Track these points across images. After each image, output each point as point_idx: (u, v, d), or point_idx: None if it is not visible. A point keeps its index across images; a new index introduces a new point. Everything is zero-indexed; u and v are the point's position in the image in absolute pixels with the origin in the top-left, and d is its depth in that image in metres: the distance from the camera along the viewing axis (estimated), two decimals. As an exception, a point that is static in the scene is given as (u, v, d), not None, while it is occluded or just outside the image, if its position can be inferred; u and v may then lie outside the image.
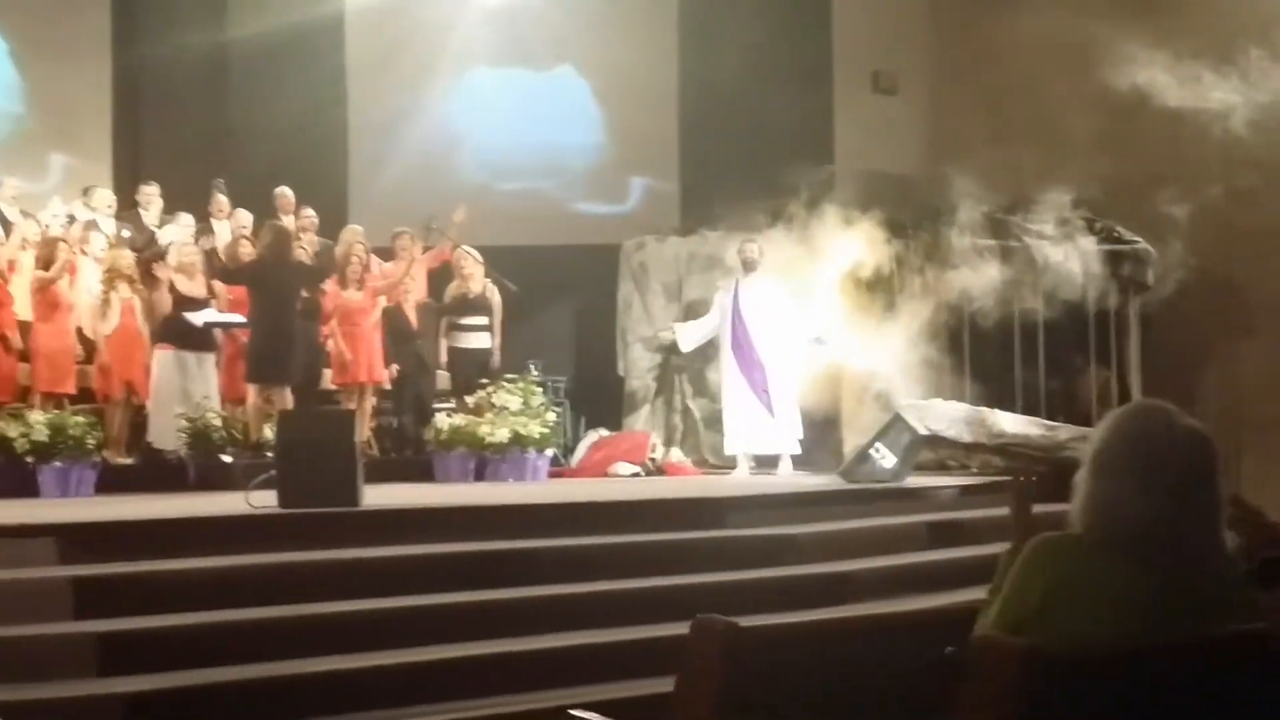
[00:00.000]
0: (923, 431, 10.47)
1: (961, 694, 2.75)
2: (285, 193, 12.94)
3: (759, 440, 12.04)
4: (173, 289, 11.34)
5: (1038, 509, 3.79)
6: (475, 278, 12.54)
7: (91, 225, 11.95)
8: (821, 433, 12.63)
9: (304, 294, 11.55)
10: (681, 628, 6.41)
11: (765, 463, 12.09)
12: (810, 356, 12.07)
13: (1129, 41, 12.01)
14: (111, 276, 11.13)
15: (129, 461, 11.20)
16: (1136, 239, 13.07)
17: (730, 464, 12.30)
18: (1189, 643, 2.78)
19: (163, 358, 11.34)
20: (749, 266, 12.10)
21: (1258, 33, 13.83)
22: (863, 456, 10.34)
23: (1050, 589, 2.87)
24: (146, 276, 11.61)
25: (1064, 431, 10.98)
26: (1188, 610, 2.82)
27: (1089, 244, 12.69)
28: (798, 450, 12.06)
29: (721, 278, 12.77)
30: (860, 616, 4.19)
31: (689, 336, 12.70)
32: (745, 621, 3.17)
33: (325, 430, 7.94)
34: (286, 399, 10.79)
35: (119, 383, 11.03)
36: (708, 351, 12.80)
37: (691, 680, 3.27)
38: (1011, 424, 11.11)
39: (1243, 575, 3.02)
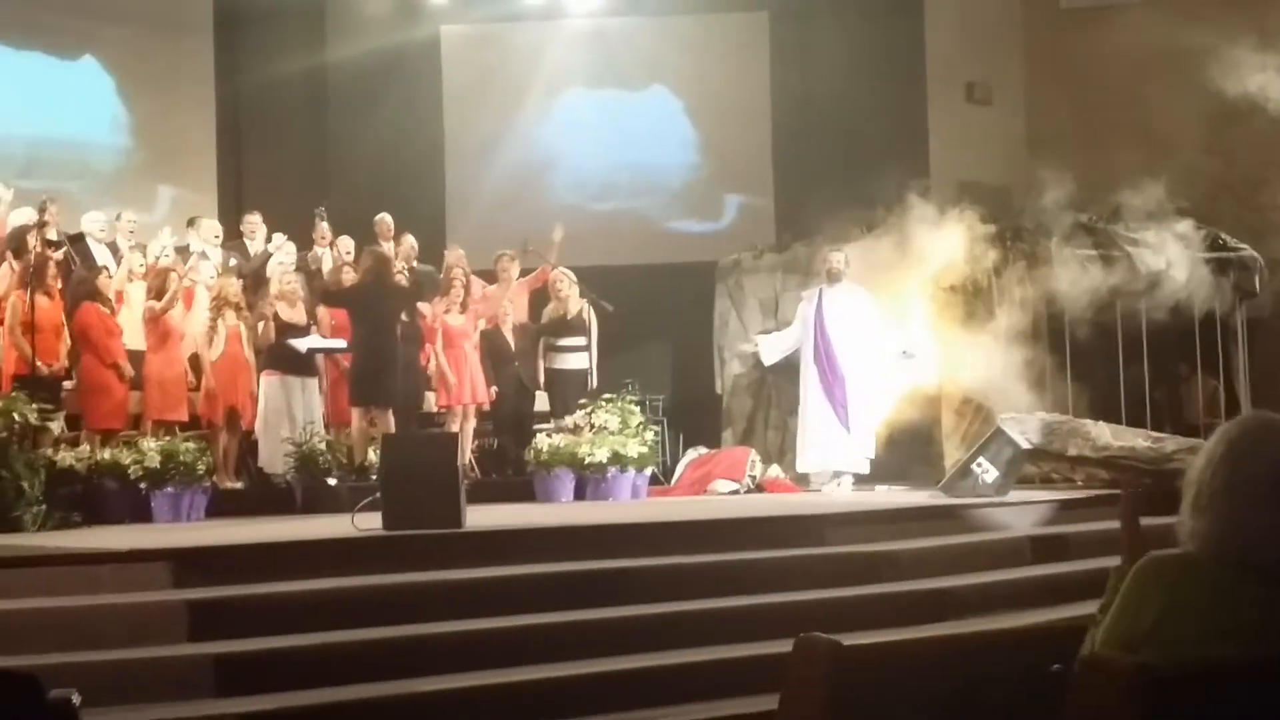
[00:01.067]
0: (1025, 445, 10.36)
1: (1069, 712, 2.74)
2: (385, 219, 13.13)
3: (832, 457, 11.85)
4: (275, 317, 11.53)
5: (1145, 522, 3.74)
6: (572, 299, 12.62)
7: (200, 255, 12.20)
8: (921, 447, 12.56)
9: (404, 318, 11.72)
10: (783, 646, 6.41)
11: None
12: (899, 369, 11.92)
13: (1228, 45, 11.86)
14: (219, 304, 11.35)
15: (238, 486, 11.41)
16: (1242, 245, 12.86)
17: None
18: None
19: (269, 384, 11.53)
20: (833, 276, 11.96)
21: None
22: (965, 471, 10.26)
23: (1166, 608, 2.83)
24: (251, 304, 11.83)
25: (1170, 443, 10.81)
26: None
27: (1193, 251, 12.53)
28: (866, 470, 11.91)
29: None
30: (964, 634, 4.16)
31: (772, 349, 12.63)
32: (847, 639, 3.18)
33: (429, 453, 8.04)
34: (389, 422, 10.93)
35: (224, 409, 11.23)
36: (799, 366, 12.67)
37: (795, 699, 3.28)
38: (1116, 435, 10.95)
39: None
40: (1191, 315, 12.74)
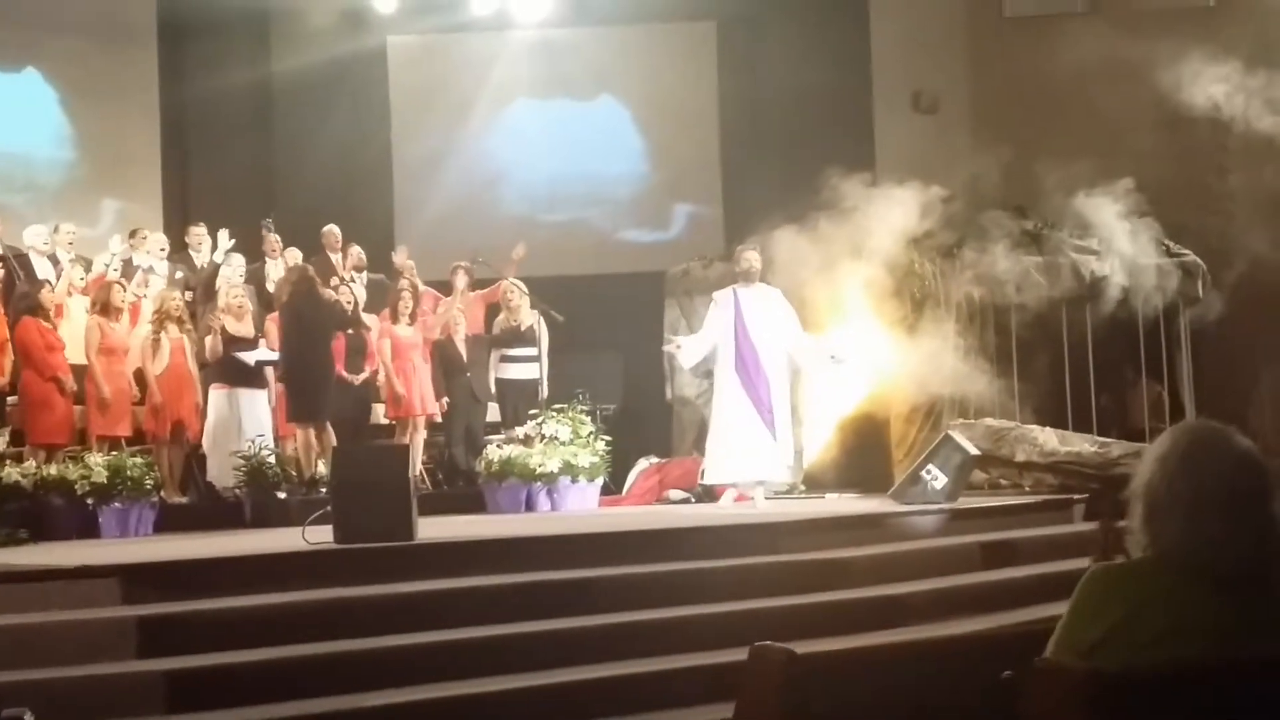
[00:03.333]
0: (973, 451, 10.44)
1: (1022, 718, 2.77)
2: (333, 230, 13.12)
3: (756, 467, 10.85)
4: (223, 330, 11.47)
5: (1094, 526, 3.78)
6: (522, 309, 12.64)
7: (148, 270, 12.12)
8: (870, 454, 12.61)
9: (349, 331, 11.70)
10: (736, 654, 6.45)
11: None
12: (831, 375, 11.56)
13: (1171, 54, 12.02)
14: (161, 318, 11.28)
15: (185, 500, 11.34)
16: (1186, 251, 13.01)
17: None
18: (1251, 663, 2.79)
19: (217, 397, 11.47)
20: (750, 276, 11.07)
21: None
22: (914, 478, 10.31)
23: (1117, 616, 2.87)
24: (195, 318, 11.78)
25: (1116, 448, 10.91)
26: (1263, 633, 2.84)
27: (1137, 257, 12.68)
28: (789, 479, 11.41)
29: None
30: (917, 641, 4.20)
31: (691, 352, 11.38)
32: (800, 647, 3.19)
33: (380, 465, 8.01)
34: (331, 435, 10.93)
35: (169, 423, 11.16)
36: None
37: (750, 708, 3.29)
38: (1063, 441, 11.05)
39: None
40: (1136, 321, 12.89)
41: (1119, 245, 12.64)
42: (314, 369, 10.96)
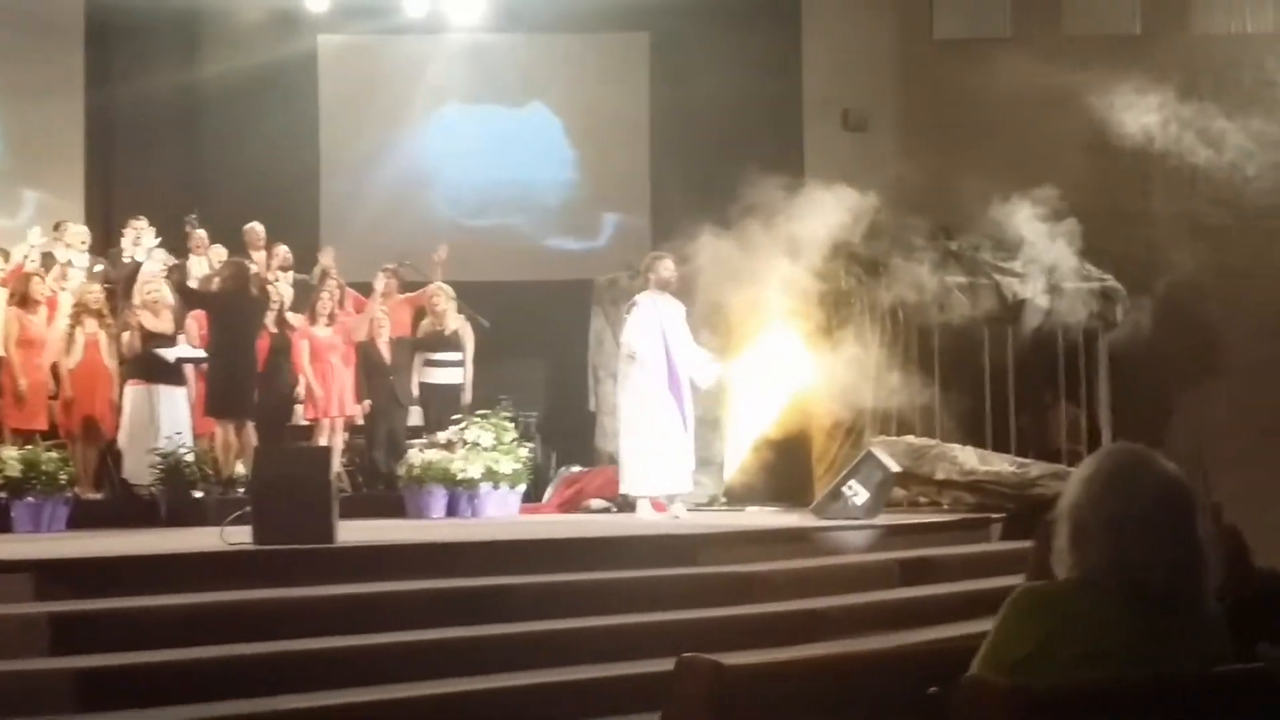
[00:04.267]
0: (895, 468, 10.52)
1: (948, 733, 2.79)
2: (255, 228, 13.01)
3: (680, 478, 10.76)
4: (140, 326, 11.33)
5: (1012, 545, 3.82)
6: (448, 314, 12.60)
7: (66, 263, 11.95)
8: (791, 468, 12.67)
9: (273, 330, 11.61)
10: (657, 665, 6.46)
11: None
12: (708, 385, 11.21)
13: (1096, 81, 12.21)
14: (79, 311, 11.13)
15: (99, 497, 11.18)
16: (1106, 276, 13.19)
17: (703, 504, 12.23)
18: (1176, 682, 2.83)
19: (134, 393, 11.34)
20: (666, 285, 10.87)
21: (1230, 75, 14.09)
22: (835, 493, 10.37)
23: (1045, 636, 2.90)
24: (115, 313, 11.62)
25: (1035, 469, 11.03)
26: (1185, 655, 2.88)
27: (1058, 280, 12.85)
28: (697, 490, 11.34)
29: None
30: (844, 654, 4.22)
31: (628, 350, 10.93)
32: (721, 659, 3.20)
33: (301, 467, 7.93)
34: (250, 434, 10.83)
35: (81, 418, 11.00)
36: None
37: (677, 719, 3.30)
38: (983, 460, 11.15)
39: (1224, 616, 3.07)
40: (1056, 343, 13.05)
41: (1041, 268, 12.81)
42: (238, 364, 10.87)
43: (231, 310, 10.89)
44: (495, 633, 6.89)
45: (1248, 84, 14.44)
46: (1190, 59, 14.22)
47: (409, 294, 13.14)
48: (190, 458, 10.88)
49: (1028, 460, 11.45)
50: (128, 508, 10.85)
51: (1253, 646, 2.95)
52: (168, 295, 11.73)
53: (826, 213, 11.59)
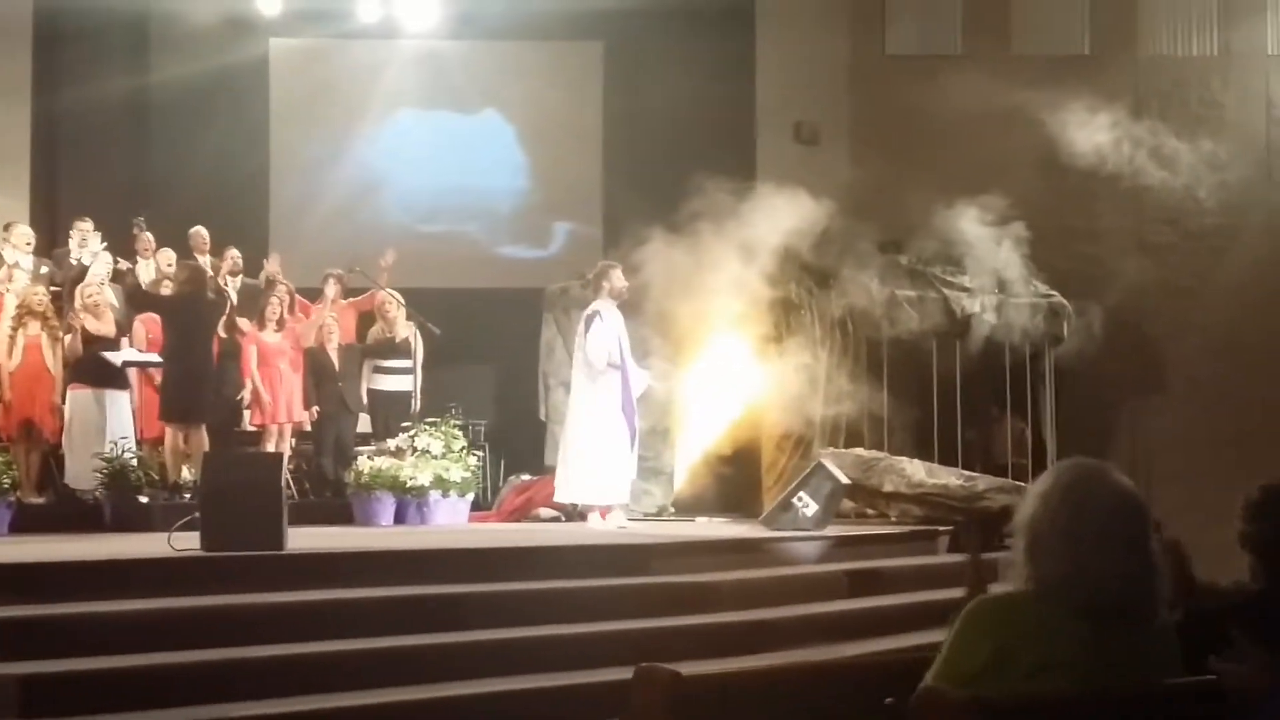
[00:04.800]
0: (844, 480, 10.57)
1: (906, 744, 2.81)
2: (200, 232, 12.91)
3: (626, 488, 10.88)
4: (83, 329, 11.24)
5: (959, 558, 3.86)
6: (398, 320, 12.57)
7: (13, 264, 11.83)
8: (740, 479, 12.71)
9: (223, 334, 11.54)
10: (608, 674, 6.48)
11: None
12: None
13: (1047, 101, 12.33)
14: (21, 314, 11.03)
15: (41, 501, 11.07)
16: (1053, 293, 13.32)
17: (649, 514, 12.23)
18: (1132, 693, 2.86)
19: (77, 397, 11.24)
20: (619, 295, 10.91)
21: (1176, 96, 14.27)
22: (785, 505, 10.40)
23: (1000, 650, 2.93)
24: (61, 315, 11.52)
25: (982, 482, 11.12)
26: (1137, 666, 2.92)
27: (1006, 296, 12.97)
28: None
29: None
30: (801, 664, 4.24)
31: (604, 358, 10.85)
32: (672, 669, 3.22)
33: (251, 472, 7.90)
34: (202, 439, 10.75)
35: (19, 421, 10.89)
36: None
37: (634, 728, 3.31)
38: (931, 473, 11.23)
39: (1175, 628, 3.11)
40: (1003, 358, 13.16)
41: (989, 283, 12.93)
42: (195, 368, 10.80)
43: (188, 314, 10.82)
44: (447, 641, 6.89)
45: (1193, 105, 14.64)
46: (1137, 80, 14.40)
47: (354, 299, 13.07)
48: (135, 462, 10.78)
49: (975, 474, 11.54)
50: (71, 512, 10.75)
51: (1203, 659, 2.99)
52: (110, 298, 11.64)
53: (777, 218, 11.62)
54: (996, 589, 3.24)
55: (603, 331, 10.73)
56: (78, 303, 11.41)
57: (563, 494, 11.03)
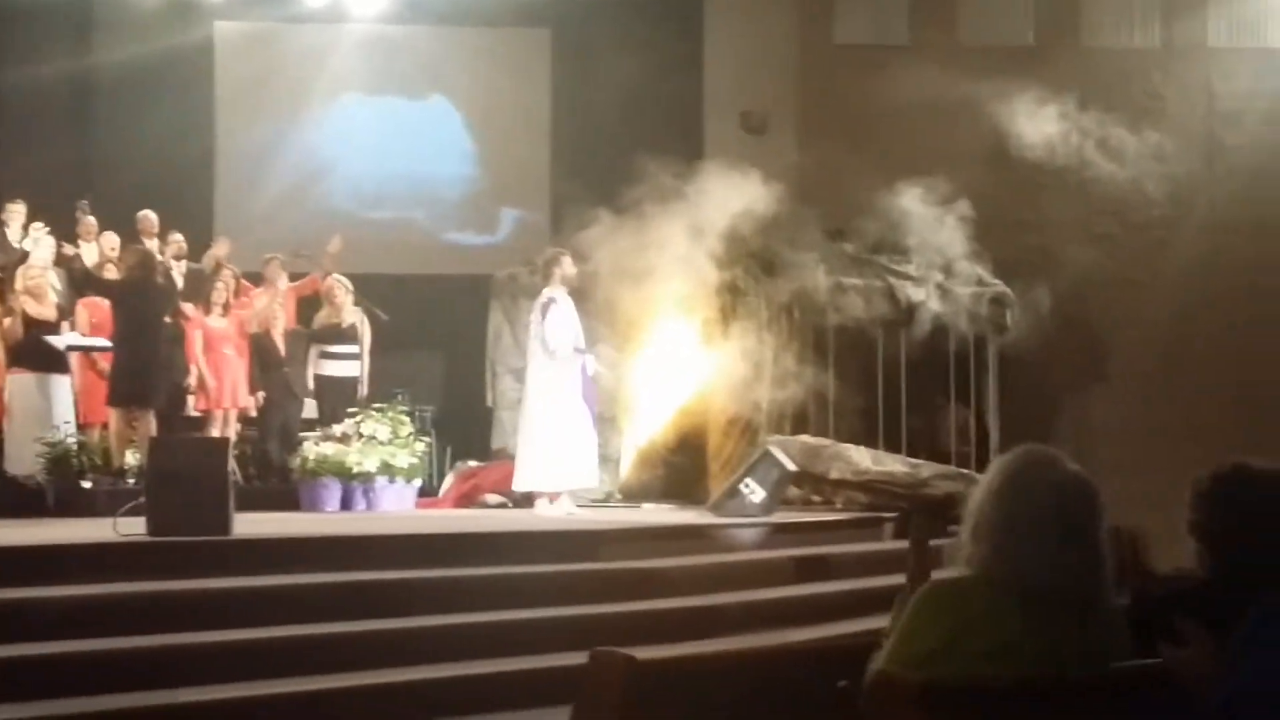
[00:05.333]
0: (791, 467, 10.62)
1: (860, 725, 2.84)
2: (148, 216, 12.80)
3: (588, 473, 10.83)
4: (23, 313, 11.11)
5: (903, 544, 3.90)
6: (345, 306, 12.52)
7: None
8: (686, 465, 12.74)
9: (168, 318, 11.45)
10: (557, 659, 6.49)
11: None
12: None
13: (995, 92, 12.40)
14: (-39, 298, 10.91)
15: (-21, 486, 10.94)
16: (997, 282, 13.43)
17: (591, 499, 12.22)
18: (1080, 679, 2.91)
19: (17, 381, 11.11)
20: (570, 281, 10.89)
21: (1119, 87, 14.41)
22: (732, 491, 10.44)
23: (950, 634, 2.96)
24: (2, 299, 11.39)
25: (927, 469, 11.21)
26: (1083, 651, 2.96)
27: (951, 285, 13.06)
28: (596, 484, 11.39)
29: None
30: (755, 648, 4.28)
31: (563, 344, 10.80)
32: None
33: (198, 458, 7.84)
34: (150, 423, 10.66)
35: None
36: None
37: (589, 711, 3.32)
38: (876, 461, 11.31)
39: (1124, 614, 3.15)
40: (947, 347, 13.26)
41: (934, 272, 13.02)
42: (144, 353, 10.71)
43: (138, 298, 10.73)
44: (395, 626, 6.88)
45: (1137, 96, 14.78)
46: (1081, 71, 14.52)
47: (295, 284, 12.98)
48: (77, 447, 10.68)
49: (919, 461, 11.64)
50: (12, 498, 10.61)
51: (1153, 646, 3.03)
52: (53, 281, 11.52)
53: (724, 202, 11.65)
54: (940, 575, 3.25)
55: (558, 318, 10.71)
56: (19, 285, 11.28)
57: (523, 481, 10.89)
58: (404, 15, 15.29)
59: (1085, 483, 3.07)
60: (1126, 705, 2.96)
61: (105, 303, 11.29)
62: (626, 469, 12.92)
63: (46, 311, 11.23)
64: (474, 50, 15.52)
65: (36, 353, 11.08)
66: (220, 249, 12.71)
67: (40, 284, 11.28)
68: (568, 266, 10.92)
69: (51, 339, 11.09)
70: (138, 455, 10.45)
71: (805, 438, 11.73)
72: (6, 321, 11.12)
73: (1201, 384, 14.24)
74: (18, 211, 12.48)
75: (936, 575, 3.21)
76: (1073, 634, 2.97)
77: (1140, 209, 14.46)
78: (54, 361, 11.17)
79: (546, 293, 10.85)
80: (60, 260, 12.04)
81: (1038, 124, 12.40)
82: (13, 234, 12.42)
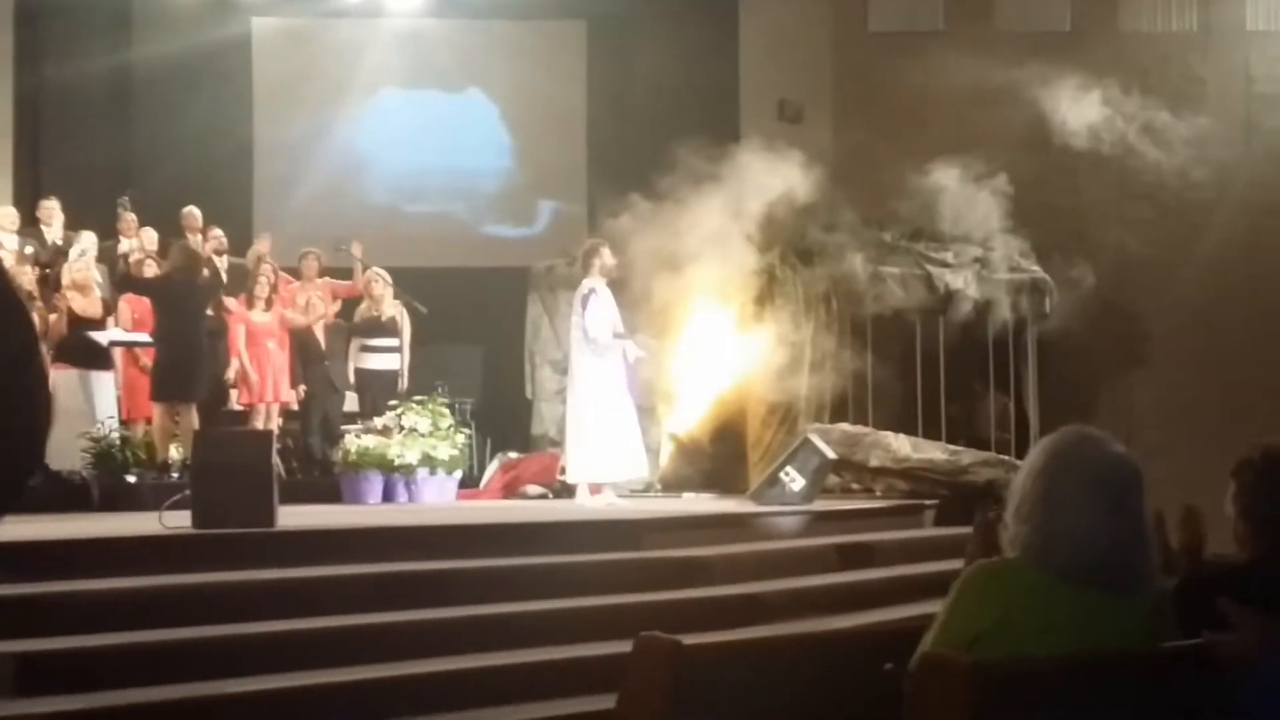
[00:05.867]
0: (831, 455, 10.61)
1: (908, 707, 2.85)
2: (193, 212, 12.90)
3: (634, 464, 10.91)
4: (69, 309, 11.20)
5: (947, 531, 3.90)
6: (385, 299, 12.57)
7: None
8: (726, 455, 12.74)
9: (209, 312, 11.53)
10: (600, 648, 6.50)
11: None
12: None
13: (1032, 78, 12.35)
14: (7, 293, 10.95)
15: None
16: (1035, 268, 13.38)
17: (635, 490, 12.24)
18: (1131, 659, 2.91)
19: (60, 377, 11.19)
20: (609, 272, 10.90)
21: (1156, 71, 14.31)
22: (772, 480, 10.44)
23: (997, 615, 2.96)
24: (45, 294, 11.48)
25: (967, 456, 11.19)
26: (1128, 631, 2.96)
27: (989, 272, 13.02)
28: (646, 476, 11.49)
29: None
30: (800, 634, 4.29)
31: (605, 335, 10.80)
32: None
33: (242, 451, 7.89)
34: (193, 418, 10.74)
35: (8, 401, 10.83)
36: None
37: (635, 698, 3.33)
38: (916, 448, 11.30)
39: (1171, 594, 3.15)
40: (986, 334, 13.22)
41: (972, 259, 12.98)
42: (188, 347, 10.78)
43: (180, 293, 10.80)
44: (437, 617, 6.90)
45: (1175, 80, 14.69)
46: (1119, 56, 14.44)
47: (336, 283, 13.04)
48: (120, 442, 10.77)
49: (959, 448, 11.62)
50: (57, 492, 10.70)
51: (1199, 628, 3.03)
52: (97, 276, 11.61)
53: (760, 191, 11.63)
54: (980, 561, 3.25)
55: (599, 309, 10.70)
56: (65, 280, 11.37)
57: (574, 473, 10.88)
58: (440, 9, 15.34)
59: (1129, 462, 3.08)
60: (1171, 686, 2.96)
61: (146, 299, 11.37)
62: (666, 459, 12.93)
63: (92, 308, 11.32)
64: (510, 43, 15.56)
65: (80, 349, 11.17)
66: (263, 244, 12.81)
67: (86, 279, 11.37)
68: (607, 257, 10.89)
69: (94, 335, 11.18)
70: (180, 450, 10.54)
71: (844, 425, 11.73)
72: (52, 318, 11.21)
73: (1242, 366, 14.15)
74: (52, 208, 12.59)
75: (978, 562, 3.21)
76: (1118, 614, 2.98)
77: (1178, 192, 14.35)
78: (97, 358, 11.27)
79: (586, 283, 10.82)
80: (102, 256, 12.14)
81: (1075, 109, 12.35)
82: (53, 232, 12.54)
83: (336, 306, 13.02)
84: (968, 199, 12.27)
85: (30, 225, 12.57)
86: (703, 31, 15.00)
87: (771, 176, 11.77)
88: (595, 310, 10.69)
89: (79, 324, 11.18)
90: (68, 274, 11.45)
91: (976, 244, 13.10)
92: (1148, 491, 3.09)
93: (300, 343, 12.24)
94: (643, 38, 15.18)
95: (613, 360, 10.70)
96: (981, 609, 3.01)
